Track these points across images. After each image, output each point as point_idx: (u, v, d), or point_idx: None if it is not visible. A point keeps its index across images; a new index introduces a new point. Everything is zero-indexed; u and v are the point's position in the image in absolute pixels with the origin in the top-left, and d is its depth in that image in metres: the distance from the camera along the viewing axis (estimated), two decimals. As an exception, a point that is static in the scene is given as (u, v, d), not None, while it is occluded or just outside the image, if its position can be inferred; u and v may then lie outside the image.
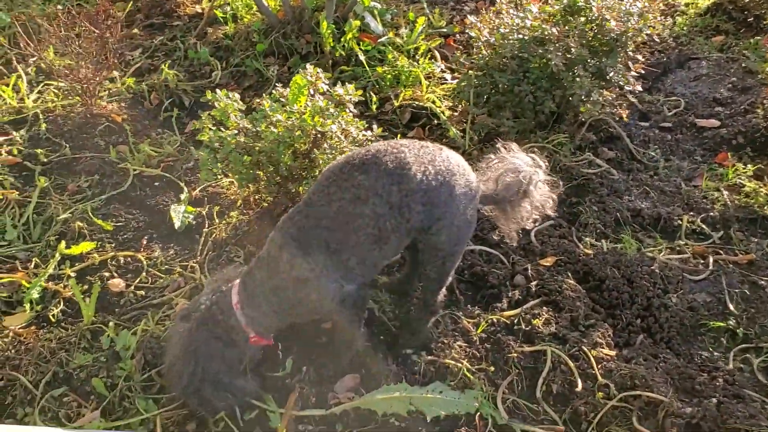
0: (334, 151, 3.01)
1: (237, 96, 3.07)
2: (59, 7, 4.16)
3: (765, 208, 3.48)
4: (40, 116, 3.97)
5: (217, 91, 3.08)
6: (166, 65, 4.40)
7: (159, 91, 4.30)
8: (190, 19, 5.06)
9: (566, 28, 3.65)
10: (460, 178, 2.41)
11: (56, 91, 4.19)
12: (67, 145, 3.78)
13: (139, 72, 4.53)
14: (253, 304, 2.37)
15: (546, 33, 3.63)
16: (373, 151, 2.33)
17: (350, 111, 3.08)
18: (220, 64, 4.55)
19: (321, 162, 3.01)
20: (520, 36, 3.72)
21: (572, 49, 3.57)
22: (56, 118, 3.96)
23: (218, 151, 2.99)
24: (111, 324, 2.78)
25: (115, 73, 4.32)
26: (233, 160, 2.99)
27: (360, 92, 3.15)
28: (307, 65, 3.16)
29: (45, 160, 3.69)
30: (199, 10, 5.12)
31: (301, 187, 3.06)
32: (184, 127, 4.05)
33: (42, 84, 4.27)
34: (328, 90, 3.13)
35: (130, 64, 4.54)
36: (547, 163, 2.71)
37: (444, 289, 2.70)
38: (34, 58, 4.51)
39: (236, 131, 3.01)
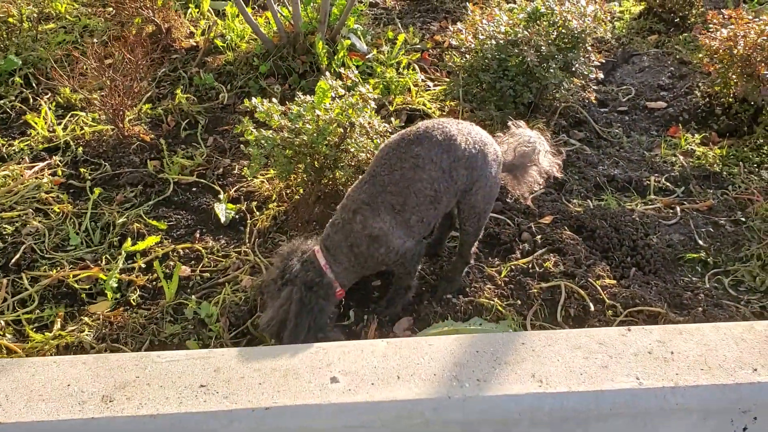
0: (362, 140, 3.55)
1: (275, 100, 3.58)
2: (95, 40, 4.59)
3: (714, 166, 4.18)
4: (71, 143, 4.38)
5: (253, 98, 3.59)
6: (179, 90, 4.86)
7: (174, 114, 4.75)
8: (187, 52, 5.54)
9: (534, 30, 4.31)
10: (490, 147, 2.99)
11: (84, 120, 4.60)
12: (107, 164, 4.20)
13: (150, 100, 4.97)
14: (337, 262, 2.87)
15: (519, 35, 4.28)
16: (423, 127, 2.89)
17: (371, 107, 3.63)
18: (225, 87, 5.04)
19: (352, 150, 3.54)
20: (496, 41, 4.36)
21: (542, 47, 4.22)
22: (89, 143, 4.38)
23: (264, 147, 3.48)
24: (192, 298, 3.21)
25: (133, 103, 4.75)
26: (276, 154, 3.50)
27: (378, 91, 3.71)
28: (339, 71, 3.71)
29: (89, 177, 4.10)
30: (194, 43, 5.61)
31: (337, 172, 3.57)
32: (205, 142, 4.51)
33: (68, 116, 4.67)
34: (347, 92, 3.67)
35: (141, 93, 4.97)
36: (549, 137, 3.32)
37: (476, 242, 3.25)
38: (48, 95, 4.93)
39: (277, 129, 3.52)
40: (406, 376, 2.15)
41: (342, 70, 3.72)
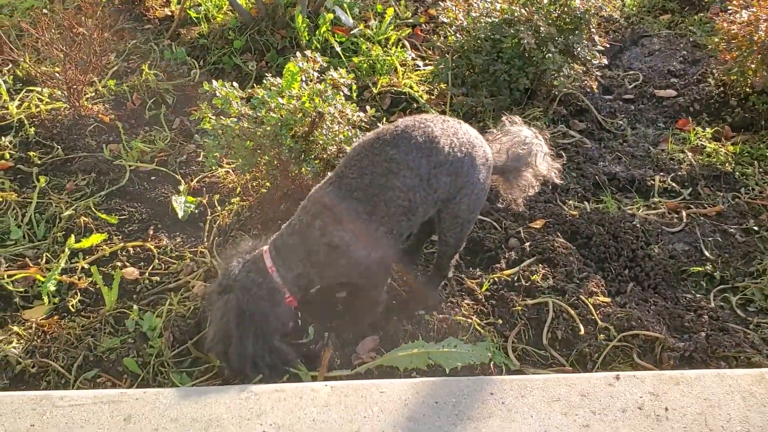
0: (331, 132, 3.17)
1: (236, 84, 3.20)
2: (44, 11, 4.20)
3: (726, 165, 3.79)
4: (26, 122, 4.01)
5: (214, 81, 3.20)
6: (146, 66, 4.47)
7: (140, 92, 4.37)
8: (161, 22, 5.14)
9: (533, 8, 3.89)
10: (479, 150, 2.60)
11: (39, 96, 4.22)
12: (59, 147, 3.83)
13: (116, 75, 4.59)
14: (288, 266, 2.51)
15: (516, 14, 3.86)
16: (402, 126, 2.50)
17: (344, 94, 3.24)
18: (198, 63, 4.65)
19: (321, 142, 3.17)
20: (491, 19, 3.94)
21: (541, 28, 3.81)
22: (43, 122, 4.01)
23: (221, 137, 3.11)
24: (135, 308, 2.87)
25: (93, 77, 4.37)
26: (236, 146, 3.13)
27: (352, 76, 3.31)
28: (305, 53, 3.32)
29: (39, 162, 3.75)
30: (169, 13, 5.20)
31: (303, 168, 3.20)
32: (171, 124, 4.13)
33: (23, 91, 4.29)
34: (319, 76, 3.29)
35: (107, 67, 4.59)
36: (547, 136, 2.94)
37: (457, 254, 2.89)
38: (8, 67, 4.55)
39: (237, 118, 3.14)
40: (348, 435, 1.82)
41: (309, 52, 3.31)
